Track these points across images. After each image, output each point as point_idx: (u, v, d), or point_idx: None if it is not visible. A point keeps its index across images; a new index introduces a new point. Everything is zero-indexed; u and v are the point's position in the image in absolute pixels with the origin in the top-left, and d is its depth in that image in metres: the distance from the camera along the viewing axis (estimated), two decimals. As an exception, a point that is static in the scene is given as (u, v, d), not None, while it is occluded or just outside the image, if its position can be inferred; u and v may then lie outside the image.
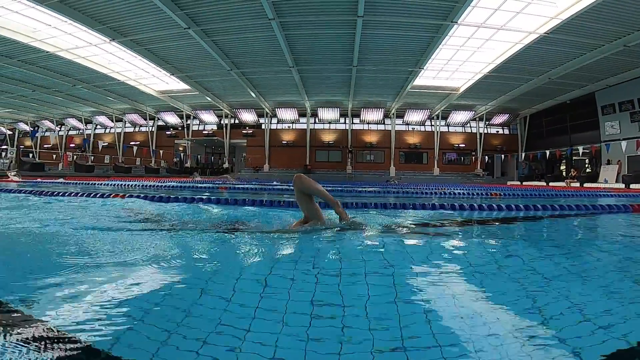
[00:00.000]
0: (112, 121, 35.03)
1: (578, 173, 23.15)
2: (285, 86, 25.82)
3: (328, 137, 32.79)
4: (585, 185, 20.17)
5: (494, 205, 5.95)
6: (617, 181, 20.47)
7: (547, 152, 25.21)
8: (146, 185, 11.08)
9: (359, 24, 16.12)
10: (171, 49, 19.68)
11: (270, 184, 15.96)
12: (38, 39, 18.49)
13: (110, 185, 10.95)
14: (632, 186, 17.40)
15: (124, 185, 11.23)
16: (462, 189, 12.59)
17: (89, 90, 26.83)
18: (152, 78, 25.18)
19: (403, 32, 17.15)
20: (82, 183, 11.26)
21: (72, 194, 6.44)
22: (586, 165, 25.04)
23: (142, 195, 6.28)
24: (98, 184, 11.03)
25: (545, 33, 16.17)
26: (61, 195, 6.27)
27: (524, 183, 24.59)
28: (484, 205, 5.91)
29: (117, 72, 23.68)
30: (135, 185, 11.26)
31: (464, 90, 24.98)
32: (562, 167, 27.43)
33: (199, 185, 13.47)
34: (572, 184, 20.75)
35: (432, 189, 13.52)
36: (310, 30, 17.40)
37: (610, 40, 16.31)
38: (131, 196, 6.10)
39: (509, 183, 25.55)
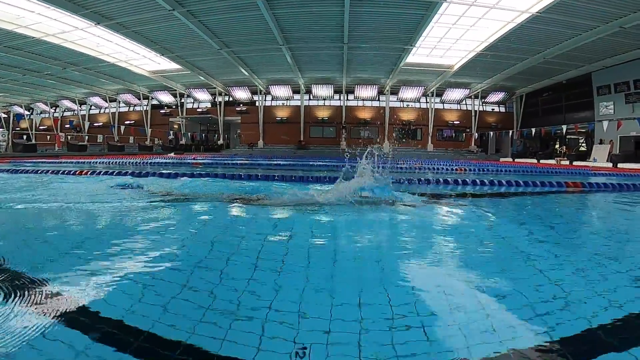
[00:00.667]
0: (107, 101, 34.97)
1: (569, 151, 23.12)
2: (277, 64, 25.43)
3: (322, 114, 32.56)
4: (575, 163, 20.25)
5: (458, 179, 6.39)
6: (608, 161, 20.46)
7: (531, 130, 25.01)
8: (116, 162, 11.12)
9: (346, 1, 15.73)
10: (158, 30, 19.34)
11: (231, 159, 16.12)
12: (23, 25, 18.22)
13: (100, 163, 11.08)
14: (619, 165, 17.43)
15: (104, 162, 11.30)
16: (436, 164, 13.03)
17: (80, 73, 26.56)
18: (143, 59, 24.81)
19: (392, 10, 16.75)
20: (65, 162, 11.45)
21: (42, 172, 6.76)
22: (580, 144, 24.96)
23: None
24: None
25: (537, 12, 15.74)
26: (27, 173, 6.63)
27: (516, 160, 24.60)
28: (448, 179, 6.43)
29: (106, 55, 23.38)
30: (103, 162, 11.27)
31: (458, 68, 24.57)
32: (557, 146, 27.36)
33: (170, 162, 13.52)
34: (562, 162, 20.80)
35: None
36: (298, 9, 17.03)
37: (606, 21, 15.87)
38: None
39: (501, 160, 25.53)
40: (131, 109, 35.73)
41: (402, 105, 32.27)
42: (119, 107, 35.62)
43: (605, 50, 19.24)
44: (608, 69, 21.41)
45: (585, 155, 22.24)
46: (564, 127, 21.55)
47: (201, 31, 19.10)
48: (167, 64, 25.78)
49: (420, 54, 23.46)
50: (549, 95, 27.35)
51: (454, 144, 31.45)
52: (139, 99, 33.99)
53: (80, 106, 36.37)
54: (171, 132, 32.78)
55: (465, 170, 10.95)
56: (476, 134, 30.65)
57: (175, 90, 31.88)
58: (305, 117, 32.40)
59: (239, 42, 21.45)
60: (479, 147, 30.65)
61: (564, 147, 24.45)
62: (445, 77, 26.62)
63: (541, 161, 22.17)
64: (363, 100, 32.51)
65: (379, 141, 31.69)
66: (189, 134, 32.81)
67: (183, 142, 31.06)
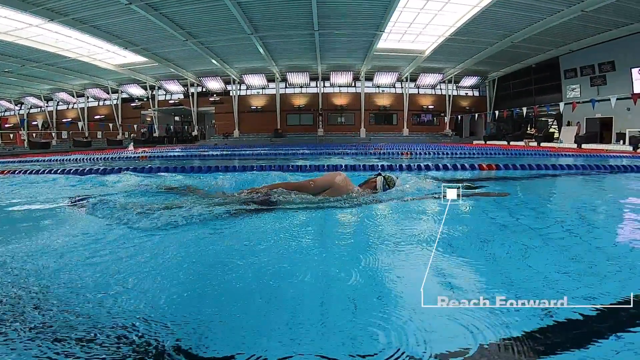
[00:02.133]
0: (74, 97, 33.83)
1: (537, 133, 23.45)
2: (249, 53, 24.78)
3: (299, 101, 32.12)
4: (542, 145, 20.60)
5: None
6: (575, 142, 20.85)
7: (502, 113, 25.24)
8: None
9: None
10: (119, 24, 18.63)
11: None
12: (-31, 24, 17.24)
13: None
14: (583, 146, 17.85)
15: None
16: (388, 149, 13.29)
17: (42, 69, 25.52)
18: (107, 53, 23.84)
19: (358, -6, 16.53)
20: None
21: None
22: (550, 126, 25.33)
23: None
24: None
25: (499, -6, 15.65)
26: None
27: (488, 142, 24.89)
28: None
29: (67, 50, 22.39)
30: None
31: (430, 53, 24.38)
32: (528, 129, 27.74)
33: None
34: (530, 144, 21.13)
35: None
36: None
37: (569, 4, 15.86)
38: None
39: (474, 142, 25.81)
40: (101, 103, 34.62)
41: (378, 91, 32.05)
42: (88, 102, 34.50)
43: (571, 34, 19.28)
44: (574, 52, 21.52)
45: (552, 137, 22.60)
46: (524, 109, 21.72)
47: (163, 23, 18.41)
48: (134, 57, 24.85)
49: (392, 40, 23.29)
50: (520, 79, 27.54)
51: (429, 128, 31.51)
52: (108, 93, 32.95)
53: (47, 102, 35.13)
54: (148, 125, 32.04)
55: (410, 154, 11.06)
56: (448, 117, 30.74)
57: (145, 82, 30.98)
58: (281, 105, 31.90)
59: (205, 32, 20.78)
60: (453, 131, 30.83)
61: (533, 129, 24.77)
62: (418, 62, 26.42)
63: (511, 143, 22.49)
64: (340, 87, 32.14)
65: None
66: (165, 125, 32.16)
67: (157, 134, 30.34)
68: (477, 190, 4.05)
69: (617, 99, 16.35)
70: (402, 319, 1.31)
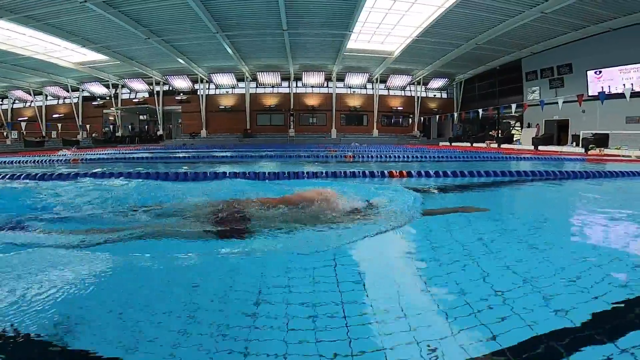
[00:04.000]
0: (31, 95, 31.90)
1: (497, 135, 23.81)
2: (216, 52, 24.10)
3: (270, 101, 31.47)
4: (502, 146, 20.92)
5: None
6: (532, 143, 21.25)
7: (469, 114, 25.57)
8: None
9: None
10: (75, 22, 17.79)
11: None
12: None
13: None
14: (540, 148, 18.22)
15: None
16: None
17: (-7, 67, 23.96)
18: (65, 50, 22.61)
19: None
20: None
21: None
22: (512, 127, 25.82)
23: None
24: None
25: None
26: None
27: (453, 144, 25.13)
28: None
29: (20, 48, 21.15)
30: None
31: (398, 54, 24.42)
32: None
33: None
34: (491, 145, 21.41)
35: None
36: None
37: (529, 6, 16.05)
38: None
39: (440, 144, 26.02)
40: (60, 101, 32.75)
41: (349, 92, 31.89)
42: (46, 100, 32.60)
43: (533, 36, 19.64)
44: (536, 55, 21.97)
45: (512, 138, 22.99)
46: (480, 111, 22.07)
47: (122, 21, 17.68)
48: (94, 55, 23.70)
49: (362, 40, 23.29)
50: (484, 81, 27.99)
51: (398, 130, 31.59)
52: (68, 91, 31.20)
53: (2, 100, 32.98)
54: (111, 124, 30.72)
55: (352, 157, 10.95)
56: (417, 119, 30.93)
57: (108, 81, 29.59)
58: (251, 105, 31.15)
59: (168, 30, 20.11)
60: (421, 132, 31.04)
61: (493, 131, 25.21)
62: (387, 63, 26.47)
63: (474, 144, 22.75)
64: (312, 87, 31.78)
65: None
66: (130, 125, 30.89)
67: (119, 134, 29.10)
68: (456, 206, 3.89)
69: (564, 102, 16.75)
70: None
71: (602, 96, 15.55)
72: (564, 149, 17.32)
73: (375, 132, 31.19)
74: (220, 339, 1.28)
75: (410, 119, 31.61)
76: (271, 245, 2.42)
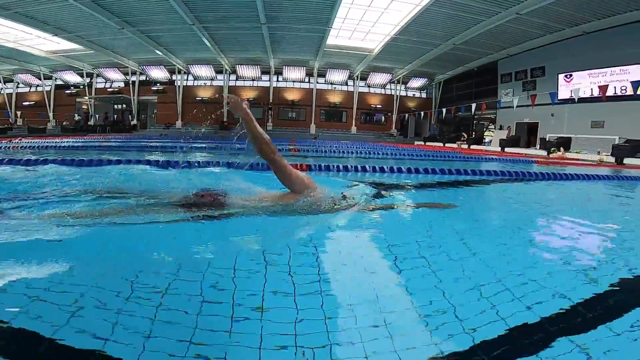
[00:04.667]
0: (1, 82, 30.72)
1: (468, 136, 24.00)
2: (194, 44, 23.57)
3: (249, 94, 30.84)
4: (472, 147, 21.08)
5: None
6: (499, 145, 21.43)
7: (442, 114, 25.71)
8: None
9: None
10: (45, 11, 17.30)
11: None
12: None
13: None
14: (506, 150, 18.41)
15: None
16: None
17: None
18: (37, 39, 21.88)
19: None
20: None
21: None
22: (485, 129, 26.05)
23: None
24: None
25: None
26: None
27: (427, 144, 25.23)
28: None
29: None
30: None
31: (378, 52, 24.29)
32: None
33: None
34: (462, 146, 21.54)
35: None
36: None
37: (505, 7, 16.05)
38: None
39: (415, 143, 26.08)
40: (33, 89, 31.62)
41: (331, 88, 31.66)
42: (17, 87, 31.53)
43: (509, 38, 19.71)
44: (512, 57, 22.07)
45: (482, 140, 23.20)
46: (443, 111, 22.23)
47: (95, 11, 17.27)
48: (68, 44, 22.93)
49: (342, 37, 23.14)
50: (462, 82, 28.16)
51: (377, 127, 31.52)
52: (40, 79, 30.16)
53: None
54: (83, 112, 29.78)
55: (297, 150, 10.86)
56: (395, 117, 30.94)
57: (82, 70, 28.66)
58: (230, 97, 30.58)
59: (144, 21, 19.66)
60: (399, 131, 31.08)
61: (468, 132, 25.44)
62: (368, 60, 26.31)
63: (447, 144, 22.87)
64: (293, 82, 31.38)
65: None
66: (104, 114, 30.02)
67: (92, 123, 28.24)
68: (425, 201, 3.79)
69: (517, 106, 16.95)
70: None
71: (554, 97, 15.83)
72: (529, 151, 17.55)
73: (354, 129, 31.05)
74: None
75: (388, 117, 31.58)
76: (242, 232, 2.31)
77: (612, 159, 12.62)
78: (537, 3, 14.92)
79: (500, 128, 22.84)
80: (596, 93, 16.48)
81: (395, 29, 20.59)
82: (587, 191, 5.68)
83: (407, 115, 29.54)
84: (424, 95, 32.66)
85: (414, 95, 32.50)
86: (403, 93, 31.80)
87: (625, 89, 15.47)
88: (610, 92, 16.01)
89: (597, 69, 16.28)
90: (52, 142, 11.38)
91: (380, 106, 31.78)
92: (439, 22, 18.63)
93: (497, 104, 21.96)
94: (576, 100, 15.92)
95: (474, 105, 20.86)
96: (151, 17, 19.18)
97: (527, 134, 20.85)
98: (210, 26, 20.73)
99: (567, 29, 17.34)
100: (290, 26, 20.68)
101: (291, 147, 11.92)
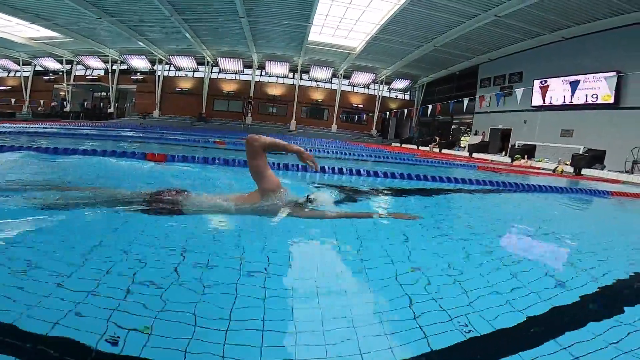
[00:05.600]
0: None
1: (440, 140, 23.69)
2: (175, 35, 22.94)
3: (230, 87, 30.27)
4: (443, 151, 20.77)
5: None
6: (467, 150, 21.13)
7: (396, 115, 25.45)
8: None
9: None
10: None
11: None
12: None
13: None
14: (474, 155, 18.15)
15: None
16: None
17: None
18: (17, 26, 21.41)
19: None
20: None
21: None
22: (462, 134, 25.70)
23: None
24: None
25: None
26: None
27: (404, 146, 24.92)
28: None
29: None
30: None
31: (360, 51, 23.82)
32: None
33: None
34: (434, 150, 21.22)
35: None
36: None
37: (484, 9, 15.66)
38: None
39: (392, 145, 25.74)
40: (11, 74, 30.73)
41: (314, 85, 31.13)
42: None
43: (489, 42, 19.34)
44: (493, 61, 21.69)
45: (452, 144, 22.91)
46: (398, 110, 21.90)
47: (73, 2, 17.00)
48: (47, 31, 22.38)
49: (326, 34, 22.73)
50: (444, 86, 27.83)
51: (357, 127, 30.96)
52: (19, 65, 29.37)
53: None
54: (60, 99, 29.09)
55: (224, 142, 10.74)
56: (376, 118, 30.55)
57: (62, 57, 27.95)
58: (210, 89, 29.85)
59: (122, 11, 19.20)
60: (379, 132, 30.67)
61: (443, 135, 25.23)
62: (351, 59, 25.83)
63: (420, 147, 22.55)
64: (277, 77, 30.79)
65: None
66: (82, 101, 29.29)
67: (68, 109, 27.56)
68: (389, 212, 3.69)
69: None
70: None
71: (499, 96, 15.56)
72: (495, 157, 17.32)
73: (335, 127, 30.56)
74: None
75: (370, 117, 31.17)
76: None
77: (571, 169, 12.34)
78: (515, 5, 14.57)
79: (476, 133, 22.54)
80: (568, 100, 16.22)
81: (376, 27, 20.18)
82: (516, 200, 5.42)
83: (387, 114, 29.16)
84: (407, 97, 32.27)
85: (396, 96, 32.07)
86: (386, 94, 31.39)
87: (596, 97, 15.22)
88: (581, 101, 15.79)
89: (571, 75, 15.97)
90: (12, 127, 11.02)
91: (362, 106, 31.34)
92: (418, 23, 18.23)
93: (473, 107, 21.68)
94: (518, 101, 15.63)
95: (451, 106, 20.56)
96: (129, 8, 18.71)
97: (500, 140, 20.48)
98: (190, 18, 20.24)
99: (547, 34, 16.98)
100: (271, 21, 20.21)
101: (217, 139, 11.61)
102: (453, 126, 26.21)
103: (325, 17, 20.25)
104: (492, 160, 15.57)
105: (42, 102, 28.54)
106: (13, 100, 27.27)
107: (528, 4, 14.07)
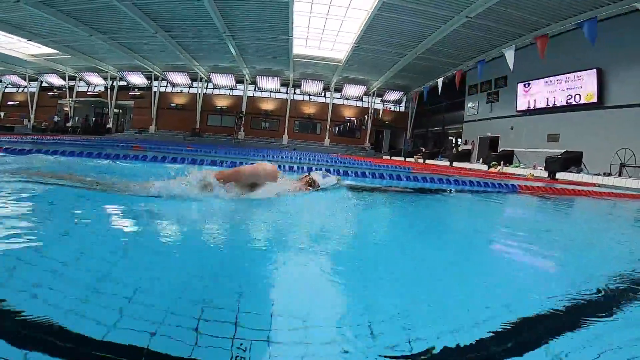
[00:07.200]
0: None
1: (425, 151, 22.48)
2: (168, 51, 23.18)
3: (223, 102, 30.20)
4: (427, 162, 19.60)
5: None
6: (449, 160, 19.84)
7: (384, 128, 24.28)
8: None
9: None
10: (19, 17, 17.59)
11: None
12: None
13: None
14: (454, 164, 17.03)
15: None
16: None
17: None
18: (20, 42, 22.21)
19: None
20: None
21: None
22: (453, 144, 24.24)
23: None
24: None
25: (384, -1, 14.44)
26: None
27: (392, 158, 23.85)
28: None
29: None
30: None
31: (346, 62, 23.22)
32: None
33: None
34: (419, 160, 20.06)
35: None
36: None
37: (454, 11, 14.74)
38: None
39: (383, 158, 24.70)
40: (20, 90, 32.00)
41: (307, 99, 30.69)
42: (5, 88, 32.22)
43: (472, 47, 18.29)
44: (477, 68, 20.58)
45: (435, 155, 21.69)
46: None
47: (62, 20, 17.38)
48: (48, 48, 23.10)
49: (311, 46, 22.38)
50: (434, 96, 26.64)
51: (350, 140, 30.02)
52: (26, 81, 30.50)
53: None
54: (63, 114, 29.89)
55: (141, 148, 10.06)
56: (369, 131, 29.65)
57: (65, 73, 28.76)
58: (204, 105, 29.85)
59: (112, 30, 19.64)
60: (372, 145, 29.65)
61: (424, 147, 24.13)
62: (340, 71, 25.25)
63: (406, 159, 21.45)
64: (270, 92, 30.55)
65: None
66: (85, 116, 30.03)
67: (70, 124, 28.27)
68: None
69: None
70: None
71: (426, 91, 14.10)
72: (473, 165, 16.10)
73: (327, 141, 29.76)
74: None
75: (363, 130, 30.26)
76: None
77: (545, 174, 11.00)
78: (482, 5, 13.64)
79: (465, 143, 21.20)
80: (551, 103, 14.88)
81: (355, 37, 19.58)
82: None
83: (382, 130, 28.23)
84: (401, 108, 31.26)
85: (389, 108, 31.04)
86: (379, 106, 30.57)
87: (579, 97, 13.82)
88: (564, 102, 14.43)
89: (553, 76, 14.67)
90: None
91: (354, 119, 30.62)
92: (394, 29, 17.45)
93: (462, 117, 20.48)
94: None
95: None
96: (119, 26, 18.93)
97: (489, 148, 19.05)
98: (175, 34, 20.29)
99: (526, 34, 15.78)
100: (252, 35, 20.01)
101: (135, 145, 11.24)
102: (450, 137, 24.89)
103: (307, 30, 19.95)
104: (471, 169, 14.30)
105: (56, 117, 29.44)
106: (32, 115, 28.20)
107: (494, 2, 13.08)
